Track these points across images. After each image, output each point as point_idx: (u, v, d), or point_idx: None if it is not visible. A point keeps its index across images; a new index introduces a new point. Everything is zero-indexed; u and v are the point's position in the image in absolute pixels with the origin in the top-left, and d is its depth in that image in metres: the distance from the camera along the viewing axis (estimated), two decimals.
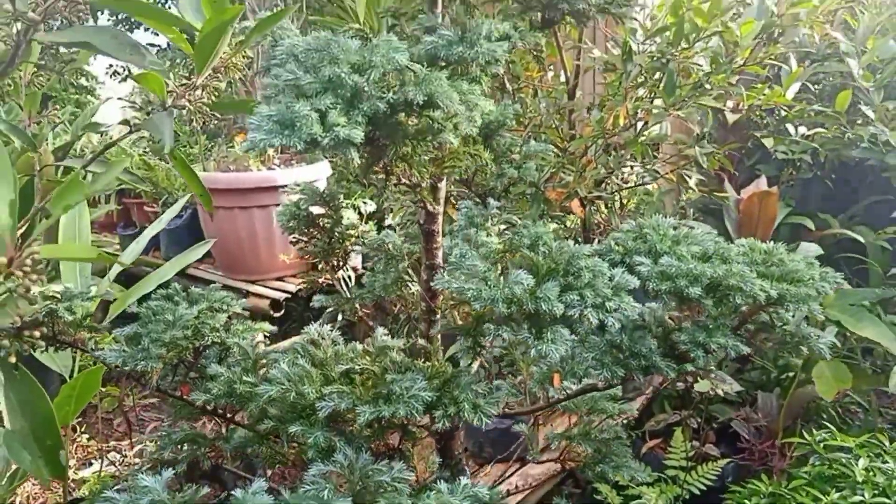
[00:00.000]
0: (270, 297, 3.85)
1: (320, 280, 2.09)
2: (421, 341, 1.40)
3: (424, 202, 1.36)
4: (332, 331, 1.40)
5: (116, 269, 1.97)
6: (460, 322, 1.30)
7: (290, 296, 3.87)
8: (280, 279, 4.07)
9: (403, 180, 1.22)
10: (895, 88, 2.17)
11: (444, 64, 1.13)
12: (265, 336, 4.21)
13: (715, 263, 1.28)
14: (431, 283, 1.37)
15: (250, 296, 3.91)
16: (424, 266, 1.52)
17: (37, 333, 1.01)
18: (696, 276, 1.24)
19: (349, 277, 3.26)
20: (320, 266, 2.16)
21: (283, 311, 3.85)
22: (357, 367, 1.28)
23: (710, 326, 1.27)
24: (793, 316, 1.32)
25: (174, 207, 2.19)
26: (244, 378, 1.37)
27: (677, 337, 1.27)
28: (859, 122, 2.33)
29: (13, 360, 0.90)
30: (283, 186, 3.79)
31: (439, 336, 1.57)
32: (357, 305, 1.92)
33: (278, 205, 3.97)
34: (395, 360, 1.31)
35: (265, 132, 0.96)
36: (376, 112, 1.01)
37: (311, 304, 2.08)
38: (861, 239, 2.84)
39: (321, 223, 2.09)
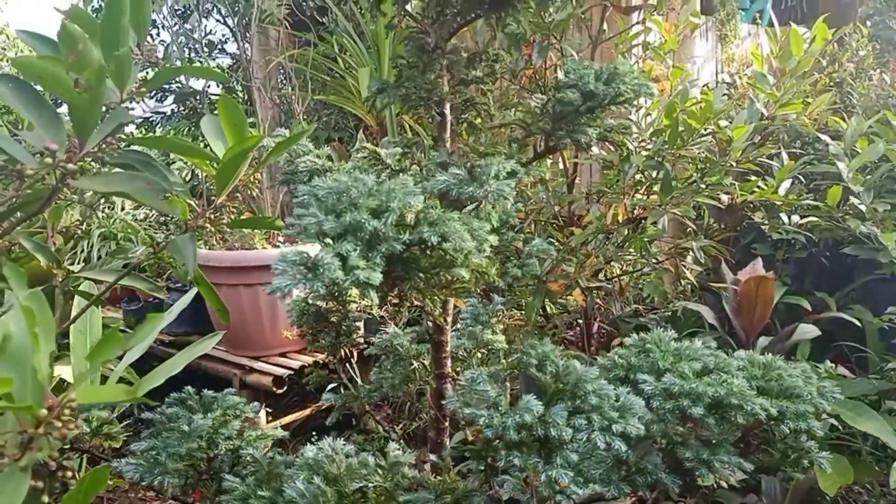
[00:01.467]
0: (273, 374, 3.87)
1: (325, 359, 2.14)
2: (432, 456, 1.43)
3: (434, 318, 1.42)
4: (344, 445, 1.43)
5: (127, 359, 2.01)
6: (471, 438, 1.33)
7: (293, 372, 3.89)
8: (283, 355, 4.09)
9: (416, 303, 1.27)
10: (884, 188, 2.25)
11: (454, 197, 1.20)
12: (268, 412, 4.22)
13: (716, 381, 1.33)
14: (442, 402, 1.41)
15: (253, 372, 3.93)
16: (434, 374, 1.56)
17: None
18: (699, 395, 1.28)
19: (352, 354, 3.31)
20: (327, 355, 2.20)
21: (285, 388, 3.87)
22: (370, 483, 1.31)
23: (714, 442, 1.31)
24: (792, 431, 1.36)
25: (183, 299, 2.24)
26: (258, 492, 1.39)
27: (682, 454, 1.30)
28: (850, 212, 2.41)
29: (46, 499, 0.94)
30: None
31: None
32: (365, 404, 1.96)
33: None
34: (406, 476, 1.34)
35: (290, 277, 1.02)
36: (393, 252, 1.07)
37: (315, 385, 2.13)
38: (858, 323, 2.89)
39: (330, 318, 2.14)
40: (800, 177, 2.59)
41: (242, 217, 3.52)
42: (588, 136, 1.31)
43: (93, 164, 1.37)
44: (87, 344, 1.45)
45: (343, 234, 1.07)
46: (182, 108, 8.73)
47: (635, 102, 2.45)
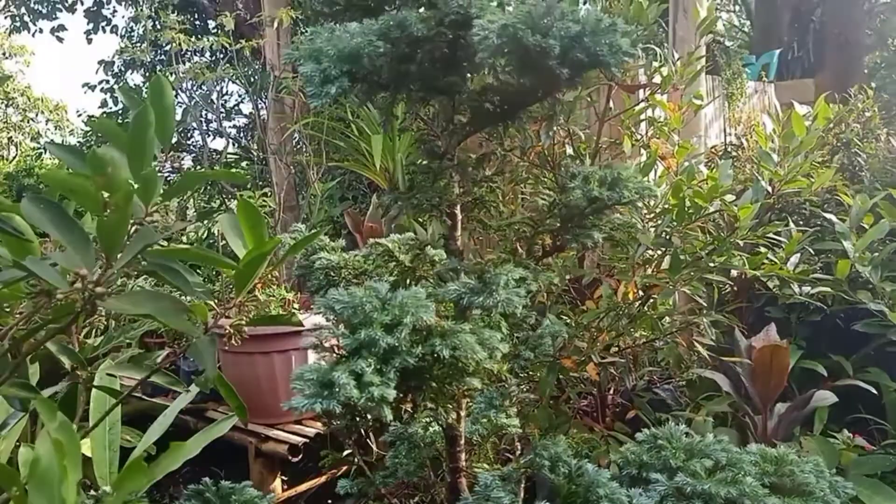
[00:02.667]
0: (289, 442, 3.87)
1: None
2: None
3: (447, 417, 1.44)
4: None
5: (148, 438, 2.05)
6: None
7: (308, 440, 3.89)
8: (298, 422, 4.10)
9: (429, 407, 1.30)
10: (893, 264, 2.27)
11: (465, 305, 1.24)
12: (283, 480, 4.20)
13: (728, 479, 1.34)
14: (457, 502, 1.42)
15: (269, 440, 3.93)
16: (448, 468, 1.58)
17: None
18: (711, 497, 1.29)
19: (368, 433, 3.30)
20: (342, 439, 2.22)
21: (301, 456, 3.86)
22: None
23: None
24: None
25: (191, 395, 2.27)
26: None
27: None
28: (860, 286, 2.42)
29: None
30: (303, 331, 3.89)
31: None
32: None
33: (298, 349, 4.06)
34: None
35: (307, 397, 1.05)
36: (406, 367, 1.11)
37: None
38: (873, 391, 2.88)
39: None
40: (808, 248, 2.62)
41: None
42: (594, 239, 1.36)
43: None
44: (107, 460, 1.48)
45: (358, 349, 1.11)
46: (199, 166, 8.91)
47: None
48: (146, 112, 1.45)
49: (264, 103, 5.54)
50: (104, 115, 10.66)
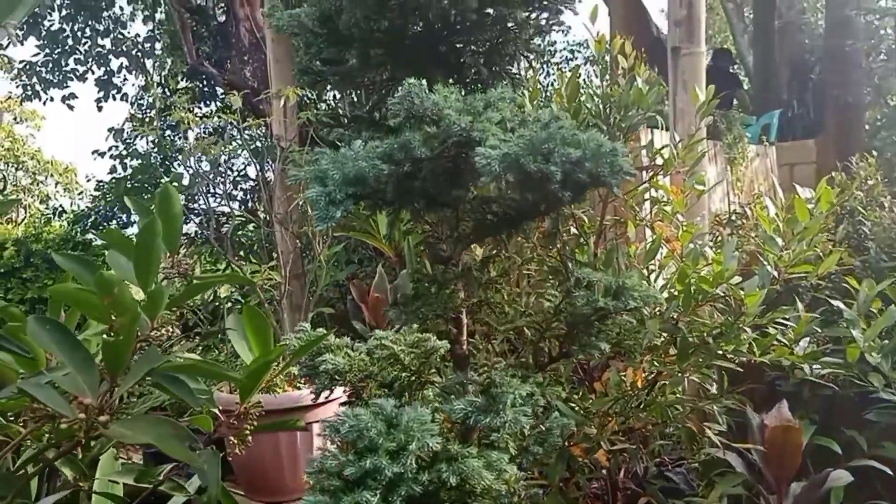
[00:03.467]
0: None
1: None
2: None
3: None
4: None
5: None
6: None
7: None
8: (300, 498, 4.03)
9: None
10: None
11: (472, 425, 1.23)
12: None
13: None
14: None
15: None
16: None
17: None
18: None
19: None
20: None
21: None
22: None
23: None
24: None
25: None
26: None
27: None
28: (871, 371, 2.39)
29: None
30: (309, 407, 3.85)
31: None
32: None
33: (305, 425, 4.01)
34: None
35: None
36: (412, 496, 1.09)
37: None
38: (888, 471, 2.81)
39: None
40: (817, 329, 2.60)
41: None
42: (600, 349, 1.35)
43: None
44: None
45: (363, 477, 1.09)
46: (207, 230, 8.96)
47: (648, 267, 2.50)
48: (153, 224, 1.47)
49: (270, 167, 5.60)
50: (113, 181, 10.79)
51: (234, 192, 8.88)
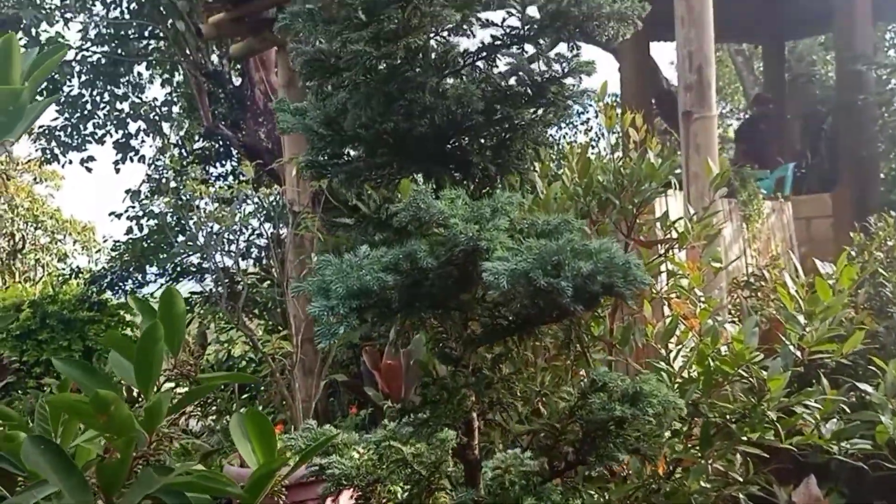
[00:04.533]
0: None
1: None
2: None
3: None
4: None
5: None
6: None
7: None
8: None
9: None
10: None
11: None
12: None
13: None
14: None
15: None
16: None
17: None
18: None
19: None
20: None
21: None
22: None
23: None
24: None
25: None
26: None
27: None
28: None
29: None
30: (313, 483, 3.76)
31: None
32: None
33: (317, 501, 3.91)
34: None
35: None
36: None
37: None
38: None
39: None
40: (845, 407, 2.50)
41: None
42: (618, 460, 1.28)
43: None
44: None
45: None
46: (218, 287, 8.96)
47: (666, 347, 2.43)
48: (155, 330, 1.43)
49: (283, 227, 5.61)
50: (130, 242, 10.87)
51: (250, 250, 8.90)
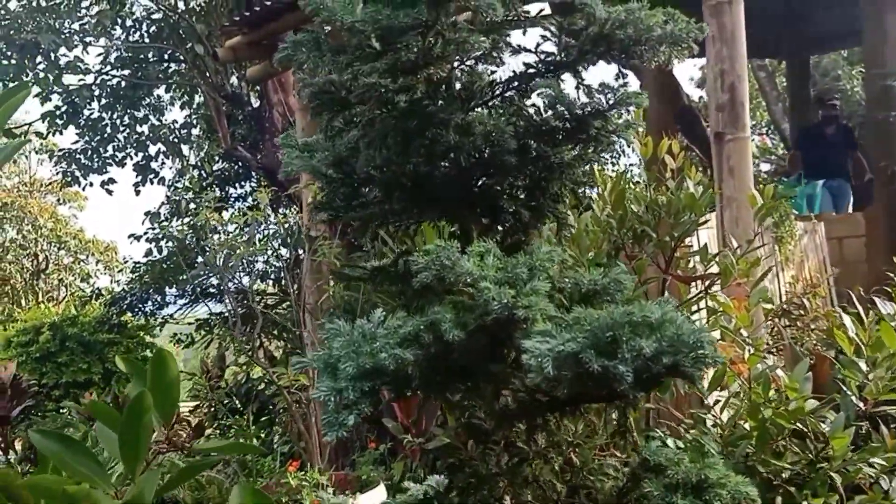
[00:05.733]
0: None
1: None
2: None
3: None
4: None
5: None
6: None
7: None
8: None
9: None
10: None
11: None
12: None
13: None
14: None
15: None
16: None
17: None
18: None
19: None
20: None
21: None
22: None
23: None
24: None
25: None
26: None
27: None
28: None
29: None
30: None
31: None
32: None
33: None
34: None
35: None
36: None
37: None
38: None
39: None
40: None
41: None
42: None
43: None
44: None
45: None
46: (234, 312, 8.84)
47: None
48: (142, 399, 1.26)
49: (301, 252, 5.48)
50: (150, 263, 10.84)
51: (269, 271, 8.78)
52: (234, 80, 9.69)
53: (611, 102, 1.49)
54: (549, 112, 1.47)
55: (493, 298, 1.00)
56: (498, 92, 1.55)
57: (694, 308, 2.56)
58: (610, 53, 1.49)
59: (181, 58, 9.74)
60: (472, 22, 1.53)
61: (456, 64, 1.52)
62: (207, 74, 9.48)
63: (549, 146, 1.46)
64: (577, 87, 1.50)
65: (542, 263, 1.11)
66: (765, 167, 13.79)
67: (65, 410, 8.56)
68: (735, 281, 2.31)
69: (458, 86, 1.52)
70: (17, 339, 10.18)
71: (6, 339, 10.52)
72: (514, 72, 1.56)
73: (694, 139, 9.66)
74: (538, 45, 1.55)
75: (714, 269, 2.51)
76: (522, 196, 1.46)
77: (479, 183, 1.47)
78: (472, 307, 1.05)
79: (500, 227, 1.48)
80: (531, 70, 1.56)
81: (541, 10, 2.07)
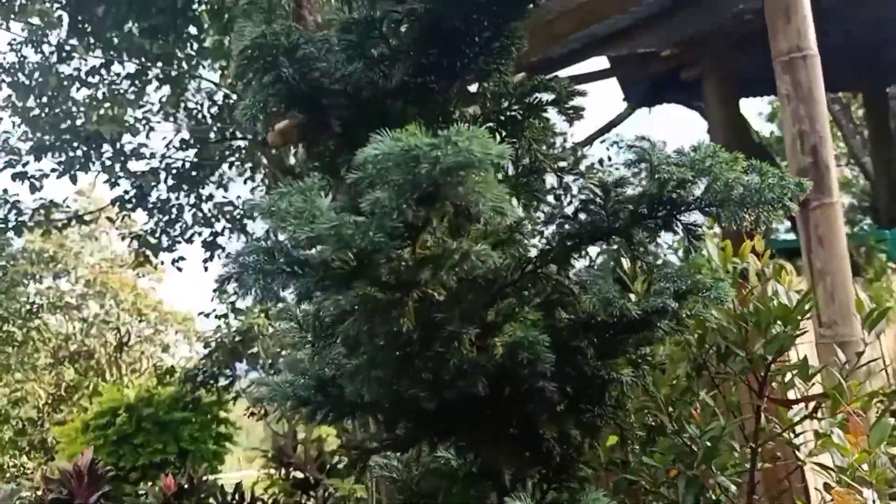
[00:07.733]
0: None
1: None
2: None
3: None
4: None
5: None
6: None
7: None
8: None
9: None
10: None
11: None
12: None
13: None
14: None
15: None
16: None
17: None
18: None
19: None
20: None
21: None
22: None
23: None
24: None
25: None
26: None
27: None
28: None
29: None
30: None
31: None
32: None
33: None
34: None
35: None
36: None
37: None
38: None
39: None
40: None
41: None
42: None
43: None
44: None
45: None
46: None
47: None
48: None
49: None
50: (219, 339, 10.89)
51: None
52: (294, 156, 9.78)
53: (679, 292, 1.16)
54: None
55: None
56: (520, 278, 1.20)
57: (798, 429, 2.20)
58: (672, 216, 1.19)
59: (242, 135, 9.91)
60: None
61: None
62: (268, 149, 9.60)
63: (599, 346, 1.14)
64: (634, 260, 1.19)
65: None
66: (846, 200, 13.02)
67: (143, 493, 8.51)
68: (844, 409, 1.95)
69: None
70: (94, 422, 10.24)
71: (84, 423, 10.63)
72: (545, 241, 1.21)
73: None
74: (576, 211, 1.22)
75: (817, 388, 2.15)
76: (567, 417, 1.14)
77: (506, 408, 1.14)
78: None
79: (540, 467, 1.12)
80: (569, 243, 1.20)
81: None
